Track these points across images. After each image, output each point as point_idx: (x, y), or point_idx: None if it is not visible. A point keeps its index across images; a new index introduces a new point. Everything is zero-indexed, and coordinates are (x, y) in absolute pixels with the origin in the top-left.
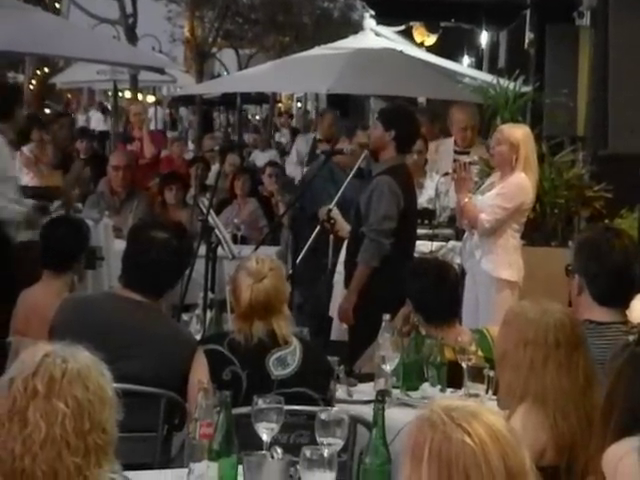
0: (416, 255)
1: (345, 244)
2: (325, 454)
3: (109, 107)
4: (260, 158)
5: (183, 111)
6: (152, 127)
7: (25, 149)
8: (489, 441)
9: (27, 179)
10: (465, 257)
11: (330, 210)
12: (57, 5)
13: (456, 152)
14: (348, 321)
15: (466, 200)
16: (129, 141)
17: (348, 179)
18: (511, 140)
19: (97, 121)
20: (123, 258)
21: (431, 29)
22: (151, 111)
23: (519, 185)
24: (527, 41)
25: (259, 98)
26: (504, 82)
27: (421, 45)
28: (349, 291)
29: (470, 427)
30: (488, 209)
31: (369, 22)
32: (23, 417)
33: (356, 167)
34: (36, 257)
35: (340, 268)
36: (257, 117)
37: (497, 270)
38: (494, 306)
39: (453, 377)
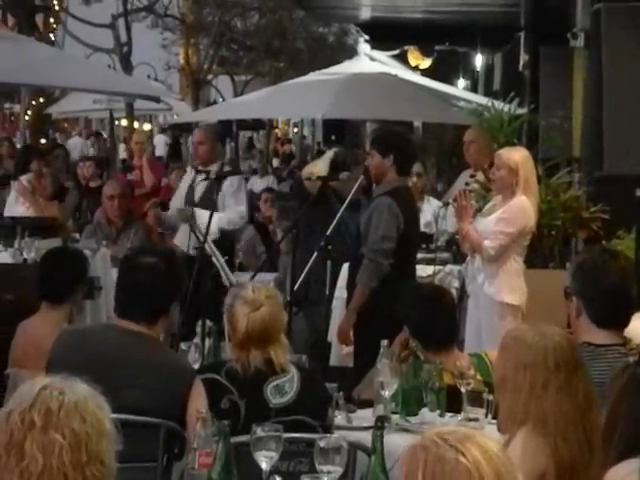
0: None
1: (342, 270)
2: None
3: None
4: (258, 184)
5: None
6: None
7: (23, 178)
8: (483, 461)
9: (22, 209)
10: (468, 280)
11: (328, 237)
12: (52, 35)
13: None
14: (347, 341)
15: (469, 228)
16: (129, 170)
17: (344, 206)
18: (510, 164)
19: (76, 149)
20: (115, 289)
21: (426, 53)
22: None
23: (520, 209)
24: (522, 63)
25: (255, 124)
26: (499, 104)
27: (416, 69)
28: (348, 311)
29: (464, 447)
30: (491, 235)
31: (364, 47)
32: (20, 450)
33: (352, 193)
34: None
35: (338, 294)
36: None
37: (500, 294)
38: (497, 330)
39: (452, 402)
